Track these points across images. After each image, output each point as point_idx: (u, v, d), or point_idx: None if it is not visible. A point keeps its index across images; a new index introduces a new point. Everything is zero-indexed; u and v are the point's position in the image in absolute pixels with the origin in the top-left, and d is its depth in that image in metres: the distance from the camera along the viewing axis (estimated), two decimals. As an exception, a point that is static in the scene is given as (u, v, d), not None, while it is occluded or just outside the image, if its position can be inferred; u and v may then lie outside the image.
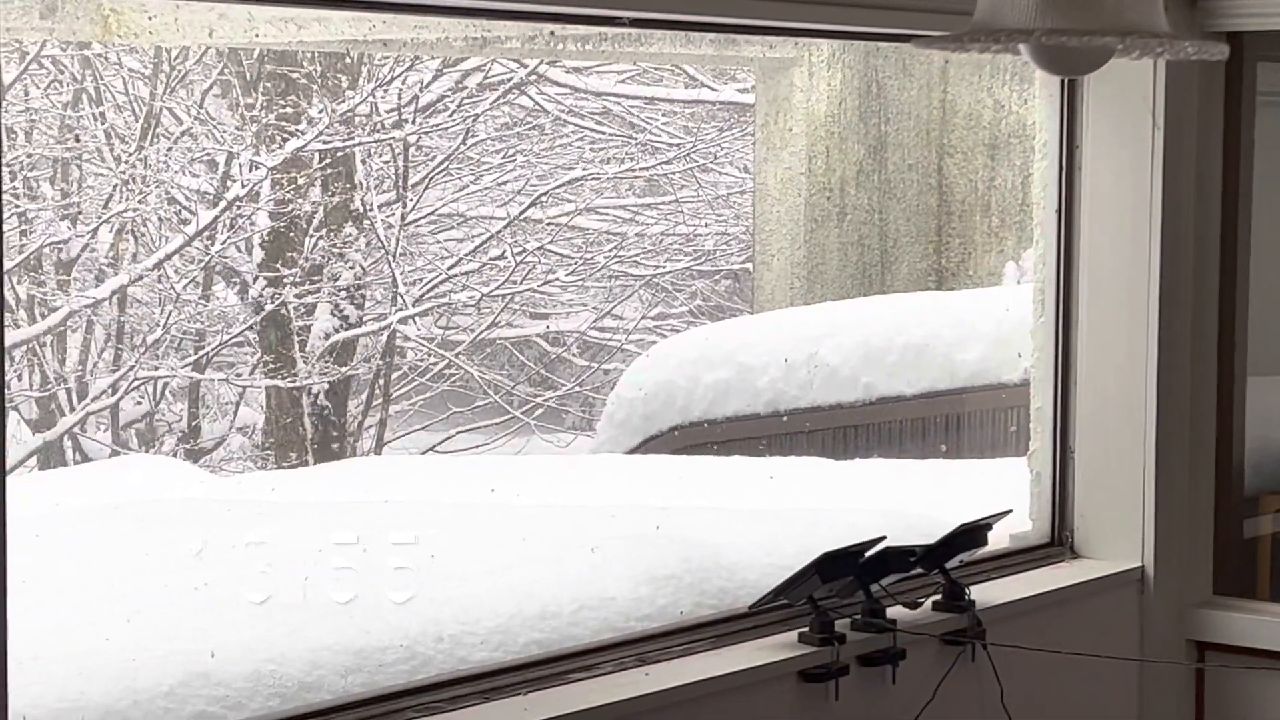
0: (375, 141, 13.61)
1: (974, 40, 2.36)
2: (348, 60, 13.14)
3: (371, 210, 13.40)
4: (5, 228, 2.71)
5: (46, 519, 5.46)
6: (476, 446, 14.49)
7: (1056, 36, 2.30)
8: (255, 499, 6.71)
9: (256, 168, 12.86)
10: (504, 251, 14.52)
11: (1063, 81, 4.81)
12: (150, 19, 8.05)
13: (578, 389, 15.66)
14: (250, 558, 4.43)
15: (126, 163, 12.75)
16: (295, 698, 3.41)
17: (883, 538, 4.14)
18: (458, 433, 14.78)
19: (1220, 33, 4.71)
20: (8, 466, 2.84)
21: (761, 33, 4.52)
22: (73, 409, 12.71)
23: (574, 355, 15.94)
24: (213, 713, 3.30)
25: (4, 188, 2.77)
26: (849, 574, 4.07)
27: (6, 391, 2.80)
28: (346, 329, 13.34)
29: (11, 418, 12.06)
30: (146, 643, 3.46)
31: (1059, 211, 4.87)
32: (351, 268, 13.36)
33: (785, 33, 4.87)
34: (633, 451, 11.12)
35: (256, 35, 9.07)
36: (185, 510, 5.87)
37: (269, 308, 12.97)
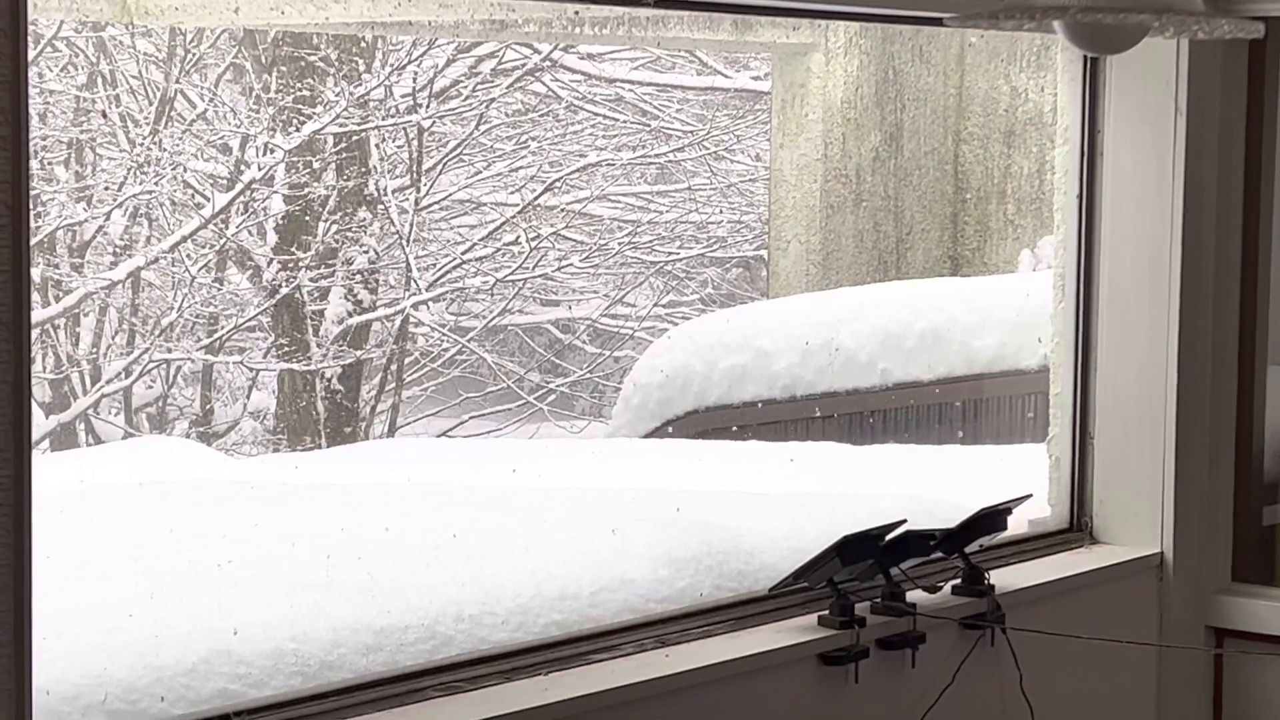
0: (390, 126, 13.60)
1: (1009, 18, 2.35)
2: (363, 44, 13.13)
3: (385, 195, 13.40)
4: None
5: (71, 496, 5.47)
6: (489, 432, 14.49)
7: (1092, 14, 2.28)
8: (278, 479, 6.71)
9: (272, 151, 12.86)
10: (517, 237, 14.52)
11: (1085, 66, 4.78)
12: (177, -6, 8.05)
13: (588, 376, 15.66)
14: (273, 536, 4.43)
15: (141, 146, 12.75)
16: (317, 676, 3.41)
17: (903, 521, 4.13)
18: (470, 418, 14.78)
19: (1244, 19, 4.68)
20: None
21: (785, 14, 4.49)
22: (86, 392, 12.71)
23: (584, 342, 15.93)
24: (234, 690, 3.30)
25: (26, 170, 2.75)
26: (869, 557, 4.06)
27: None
28: (360, 313, 13.34)
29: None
30: (169, 620, 3.46)
31: (1080, 197, 4.85)
32: (365, 252, 13.36)
33: (810, 15, 4.84)
34: (648, 436, 11.10)
35: (281, 14, 9.06)
36: (209, 489, 5.86)
37: (283, 292, 12.97)
